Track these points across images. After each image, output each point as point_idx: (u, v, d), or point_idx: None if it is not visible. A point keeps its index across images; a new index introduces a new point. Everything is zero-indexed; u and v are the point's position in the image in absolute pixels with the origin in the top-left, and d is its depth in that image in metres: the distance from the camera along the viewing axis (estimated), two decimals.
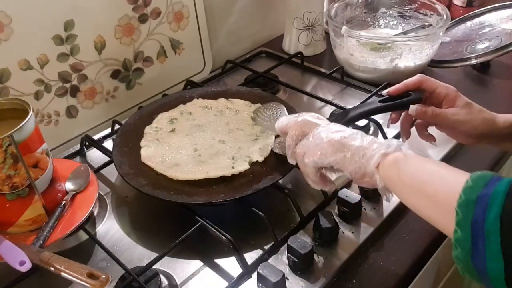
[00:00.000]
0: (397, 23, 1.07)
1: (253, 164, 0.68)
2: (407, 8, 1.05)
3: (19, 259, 0.55)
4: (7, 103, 0.62)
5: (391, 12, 1.07)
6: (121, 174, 0.67)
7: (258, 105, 0.80)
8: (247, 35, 1.14)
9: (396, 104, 0.68)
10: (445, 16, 0.93)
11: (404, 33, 1.04)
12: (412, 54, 0.91)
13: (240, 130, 0.75)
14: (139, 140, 0.74)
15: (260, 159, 0.69)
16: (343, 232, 0.63)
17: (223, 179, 0.66)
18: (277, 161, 0.68)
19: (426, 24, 1.02)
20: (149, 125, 0.77)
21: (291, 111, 0.77)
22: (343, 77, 0.96)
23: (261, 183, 0.64)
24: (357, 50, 0.95)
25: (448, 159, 0.76)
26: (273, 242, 0.61)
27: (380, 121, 0.78)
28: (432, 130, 0.80)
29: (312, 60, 1.07)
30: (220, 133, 0.75)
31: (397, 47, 0.92)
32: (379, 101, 0.69)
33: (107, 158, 0.76)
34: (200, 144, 0.73)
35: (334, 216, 0.62)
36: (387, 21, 1.08)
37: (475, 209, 0.40)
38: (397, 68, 0.92)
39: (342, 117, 0.71)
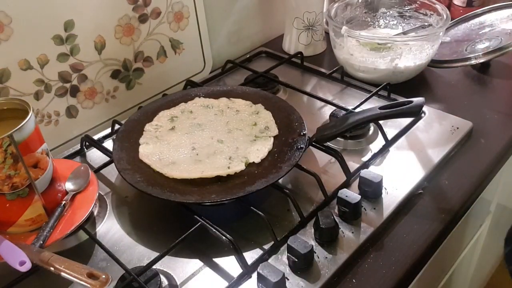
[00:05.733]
0: (397, 23, 1.07)
1: (249, 165, 0.68)
2: (407, 8, 1.05)
3: (19, 259, 0.55)
4: (7, 103, 0.62)
5: (391, 12, 1.07)
6: (118, 169, 0.67)
7: (259, 105, 0.80)
8: (247, 35, 1.14)
9: (396, 112, 0.68)
10: (445, 16, 0.93)
11: (404, 33, 1.04)
12: (412, 54, 0.91)
13: (239, 130, 0.75)
14: (140, 137, 0.75)
15: (257, 160, 0.68)
16: (343, 232, 0.63)
17: (218, 179, 0.66)
18: (273, 164, 0.68)
19: (426, 24, 1.02)
20: (149, 123, 0.78)
21: (292, 111, 0.78)
22: (343, 77, 0.96)
23: (255, 185, 0.64)
24: (357, 50, 0.95)
25: (448, 159, 0.76)
26: (273, 242, 0.61)
27: (380, 121, 0.78)
28: (431, 131, 0.80)
29: (312, 60, 1.07)
30: (219, 133, 0.75)
31: (397, 47, 0.92)
32: (380, 108, 0.69)
33: (107, 158, 0.76)
34: (199, 143, 0.73)
35: (334, 216, 0.62)
36: (387, 21, 1.08)
37: None
38: (397, 68, 0.92)
39: (341, 122, 0.71)
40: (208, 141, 0.73)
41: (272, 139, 0.73)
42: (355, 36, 0.93)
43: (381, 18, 1.08)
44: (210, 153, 0.70)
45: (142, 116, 0.79)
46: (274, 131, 0.74)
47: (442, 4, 0.97)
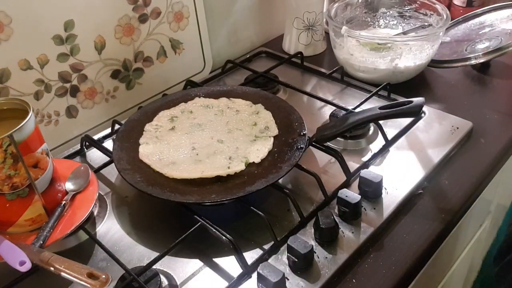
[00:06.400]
0: (397, 23, 1.07)
1: (249, 165, 0.68)
2: (407, 8, 1.05)
3: (19, 259, 0.55)
4: (7, 103, 0.62)
5: (391, 12, 1.07)
6: (118, 168, 0.67)
7: (259, 105, 0.80)
8: (247, 35, 1.14)
9: (396, 112, 0.68)
10: (445, 16, 0.93)
11: (404, 33, 1.04)
12: (412, 54, 0.91)
13: (239, 130, 0.75)
14: (140, 137, 0.75)
15: (257, 160, 0.68)
16: (343, 232, 0.63)
17: (218, 179, 0.66)
18: (273, 164, 0.68)
19: (426, 24, 1.02)
20: (149, 123, 0.78)
21: (291, 111, 0.78)
22: (343, 77, 0.96)
23: (255, 185, 0.64)
24: (357, 50, 0.95)
25: (448, 159, 0.76)
26: (273, 242, 0.61)
27: (380, 121, 0.78)
28: (431, 131, 0.80)
29: (312, 60, 1.07)
30: (219, 133, 0.75)
31: (397, 47, 0.92)
32: (380, 108, 0.69)
33: (107, 158, 0.76)
34: (199, 143, 0.73)
35: (334, 216, 0.62)
36: (387, 21, 1.08)
37: None
38: (397, 68, 0.92)
39: (341, 122, 0.71)
40: (208, 141, 0.73)
41: (272, 139, 0.73)
42: (355, 36, 0.93)
43: (381, 18, 1.08)
44: (210, 153, 0.70)
45: (142, 116, 0.79)
46: (274, 131, 0.74)
47: (442, 4, 0.97)
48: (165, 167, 0.68)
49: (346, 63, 0.97)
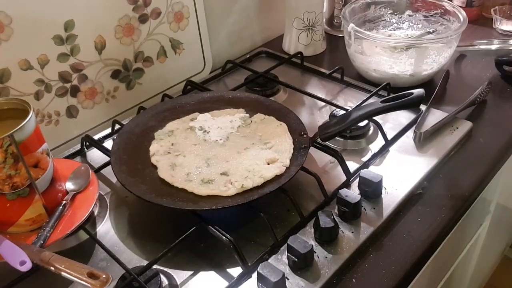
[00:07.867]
0: (422, 26, 1.04)
1: None
2: (433, 13, 1.02)
3: (20, 259, 0.55)
4: (8, 103, 0.62)
5: (416, 15, 1.05)
6: (121, 182, 0.66)
7: (272, 118, 0.77)
8: (247, 35, 1.14)
9: (398, 104, 0.68)
10: (461, 19, 0.91)
11: (418, 36, 1.02)
12: (429, 57, 0.90)
13: (253, 153, 0.71)
14: (138, 147, 0.73)
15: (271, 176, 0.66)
16: (343, 232, 0.63)
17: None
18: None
19: (431, 30, 1.00)
20: (161, 139, 0.75)
21: (287, 112, 0.78)
22: (343, 77, 0.96)
23: (267, 188, 0.64)
24: (372, 51, 0.93)
25: (447, 159, 0.76)
26: (273, 242, 0.61)
27: (380, 121, 0.78)
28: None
29: (312, 60, 1.07)
30: (232, 152, 0.71)
31: (413, 49, 0.90)
32: (381, 102, 0.69)
33: (107, 158, 0.76)
34: (213, 160, 0.70)
35: (334, 216, 0.62)
36: (412, 24, 1.05)
37: None
38: (412, 71, 0.91)
39: (344, 119, 0.71)
40: (225, 157, 0.70)
41: (284, 168, 0.68)
42: (363, 36, 0.91)
43: (406, 20, 1.05)
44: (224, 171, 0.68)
45: (141, 124, 0.78)
46: (286, 161, 0.69)
47: (464, 12, 0.94)
48: (187, 183, 0.66)
49: (360, 63, 0.95)
